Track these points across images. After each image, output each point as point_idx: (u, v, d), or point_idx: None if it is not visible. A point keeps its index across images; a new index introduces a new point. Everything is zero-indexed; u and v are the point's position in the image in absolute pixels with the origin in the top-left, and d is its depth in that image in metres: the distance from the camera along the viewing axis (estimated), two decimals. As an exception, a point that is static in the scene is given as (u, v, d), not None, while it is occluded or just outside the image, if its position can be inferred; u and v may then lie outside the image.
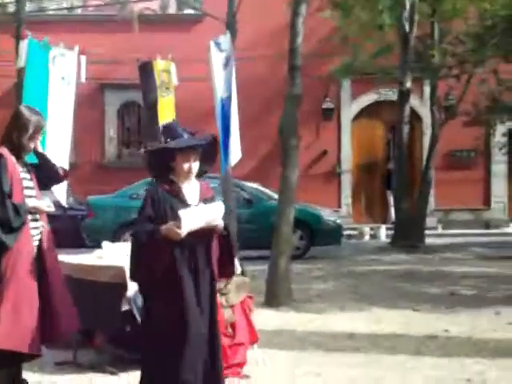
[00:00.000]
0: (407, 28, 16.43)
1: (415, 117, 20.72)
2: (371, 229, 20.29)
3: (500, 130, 18.60)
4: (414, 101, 19.27)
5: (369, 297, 9.97)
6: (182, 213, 4.60)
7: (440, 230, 21.06)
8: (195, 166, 4.88)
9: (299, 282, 10.93)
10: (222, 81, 8.77)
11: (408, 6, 16.30)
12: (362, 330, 7.78)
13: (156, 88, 8.60)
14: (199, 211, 4.75)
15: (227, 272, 5.12)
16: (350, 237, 19.17)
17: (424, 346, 7.06)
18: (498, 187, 22.27)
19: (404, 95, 17.01)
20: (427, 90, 19.14)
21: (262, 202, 15.26)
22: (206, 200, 4.90)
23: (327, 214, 16.33)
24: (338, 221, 16.44)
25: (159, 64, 8.73)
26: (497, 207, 22.26)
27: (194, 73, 15.06)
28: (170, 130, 5.03)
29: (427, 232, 17.84)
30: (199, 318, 4.71)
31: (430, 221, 19.98)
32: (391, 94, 19.00)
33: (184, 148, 4.82)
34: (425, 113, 20.55)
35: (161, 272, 4.70)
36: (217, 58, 8.77)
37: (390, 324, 8.11)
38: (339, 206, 22.01)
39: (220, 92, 8.74)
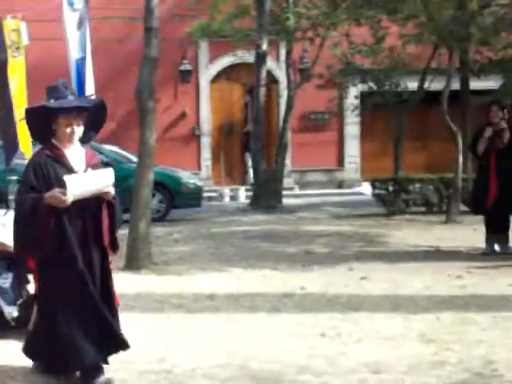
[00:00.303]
0: (263, -10, 16.53)
1: (272, 79, 20.97)
2: (231, 190, 20.48)
3: (352, 92, 19.13)
4: (270, 63, 19.47)
5: (229, 257, 10.09)
6: (67, 178, 4.46)
7: (297, 191, 21.53)
8: (78, 130, 4.69)
9: (160, 244, 10.93)
10: (76, 41, 8.55)
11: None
12: (222, 291, 7.86)
13: (6, 48, 8.27)
14: (86, 177, 4.62)
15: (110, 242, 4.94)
16: (210, 199, 19.29)
17: (281, 303, 7.21)
18: (351, 148, 22.98)
19: (261, 58, 17.13)
20: (283, 52, 19.37)
21: (120, 165, 15.05)
22: (91, 166, 4.74)
23: (187, 177, 16.34)
24: (198, 183, 16.51)
25: (9, 23, 8.39)
26: (350, 167, 22.99)
27: (48, 33, 14.57)
28: (54, 90, 4.78)
29: (284, 193, 18.21)
30: (92, 286, 4.66)
31: (287, 182, 20.42)
32: (248, 57, 19.12)
33: (66, 110, 4.63)
34: (281, 75, 20.82)
35: (49, 242, 4.58)
36: (70, 18, 8.53)
37: (250, 283, 8.25)
38: (199, 168, 22.07)
39: (74, 53, 8.52)
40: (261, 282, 8.37)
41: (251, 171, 19.68)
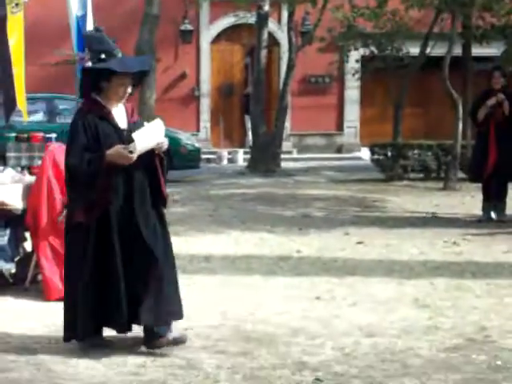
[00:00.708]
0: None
1: (273, 41, 20.80)
2: (229, 153, 20.43)
3: (353, 56, 18.99)
4: (272, 25, 19.32)
5: (226, 220, 10.12)
6: (136, 135, 4.34)
7: (295, 154, 21.50)
8: (130, 90, 4.56)
9: (157, 205, 10.94)
10: (76, -2, 8.45)
11: None
12: (218, 253, 7.90)
13: (5, 4, 8.17)
14: (149, 131, 4.50)
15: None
16: (208, 161, 19.27)
17: (277, 266, 7.25)
18: (351, 113, 22.89)
19: (262, 19, 17.00)
20: (285, 14, 19.19)
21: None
22: (134, 123, 4.63)
23: (186, 138, 16.29)
24: (197, 144, 16.47)
25: (8, -22, 8.27)
26: (349, 132, 22.92)
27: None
28: (99, 42, 4.57)
29: (283, 156, 18.17)
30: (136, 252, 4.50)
31: (286, 145, 20.37)
32: (249, 18, 18.95)
33: (124, 73, 4.47)
34: (282, 38, 20.65)
35: (109, 202, 4.45)
36: (70, -26, 8.41)
37: (246, 246, 8.29)
38: (198, 129, 21.99)
39: (75, 10, 8.42)
40: (257, 244, 8.40)
41: (250, 134, 19.63)
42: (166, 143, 4.55)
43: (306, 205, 11.49)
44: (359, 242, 8.37)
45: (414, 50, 17.22)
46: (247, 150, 19.64)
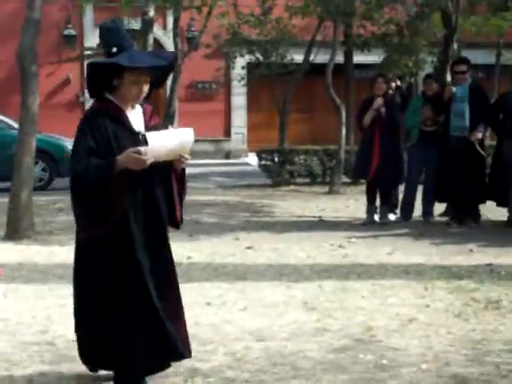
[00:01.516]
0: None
1: (159, 47, 20.71)
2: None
3: (240, 62, 19.13)
4: (157, 31, 19.23)
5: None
6: (150, 136, 3.79)
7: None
8: (146, 89, 3.99)
9: (43, 214, 10.68)
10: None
11: None
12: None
13: None
14: (168, 135, 3.91)
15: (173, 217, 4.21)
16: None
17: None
18: (238, 119, 23.06)
19: (147, 25, 16.83)
20: (170, 20, 19.12)
21: (1, 131, 14.56)
22: (152, 128, 4.01)
23: (71, 144, 15.93)
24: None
25: None
26: (236, 138, 23.07)
27: None
28: (115, 34, 4.00)
29: (171, 162, 18.05)
30: (149, 279, 3.97)
31: (174, 151, 20.27)
32: (134, 24, 18.76)
33: (139, 68, 3.89)
34: (168, 44, 20.59)
35: (119, 214, 3.88)
36: None
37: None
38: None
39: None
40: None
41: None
42: (187, 158, 3.98)
43: (195, 211, 11.44)
44: (249, 247, 8.42)
45: (298, 57, 17.49)
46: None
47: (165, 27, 20.95)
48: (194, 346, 4.90)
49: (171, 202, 4.14)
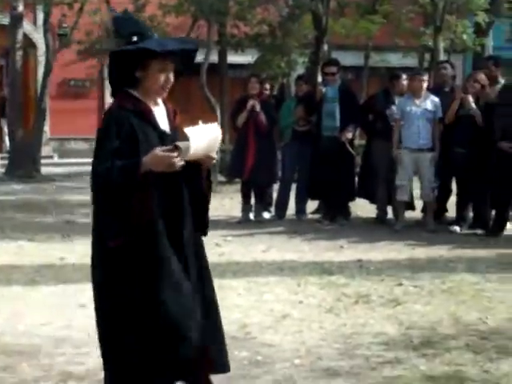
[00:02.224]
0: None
1: (29, 43, 20.09)
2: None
3: (114, 60, 18.85)
4: (27, 26, 18.66)
5: (-18, 229, 9.60)
6: (190, 131, 3.35)
7: (56, 159, 20.94)
8: (172, 78, 3.62)
9: None
10: None
11: None
12: (-25, 263, 7.48)
13: None
14: (206, 133, 3.48)
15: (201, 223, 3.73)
16: (-39, 167, 18.18)
17: (40, 275, 6.99)
18: (112, 117, 22.75)
19: (16, 20, 16.39)
20: (41, 16, 18.60)
21: None
22: (175, 128, 3.66)
23: None
24: None
25: None
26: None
27: None
28: (133, 24, 3.63)
29: (43, 161, 17.60)
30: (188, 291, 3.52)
31: (46, 150, 19.78)
32: (3, 18, 18.16)
33: (165, 53, 3.50)
34: (39, 40, 20.00)
35: (149, 217, 3.43)
36: None
37: (5, 256, 7.86)
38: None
39: None
40: (17, 253, 8.03)
41: (7, 138, 18.81)
42: (215, 157, 3.62)
43: (68, 211, 11.17)
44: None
45: (174, 56, 17.42)
46: (4, 155, 18.80)
47: (35, 22, 20.32)
48: (66, 349, 4.84)
49: (200, 205, 3.71)
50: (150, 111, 3.58)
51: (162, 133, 3.57)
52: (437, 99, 9.27)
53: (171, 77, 3.62)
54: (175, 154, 3.33)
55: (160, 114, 3.66)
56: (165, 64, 3.54)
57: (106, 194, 3.48)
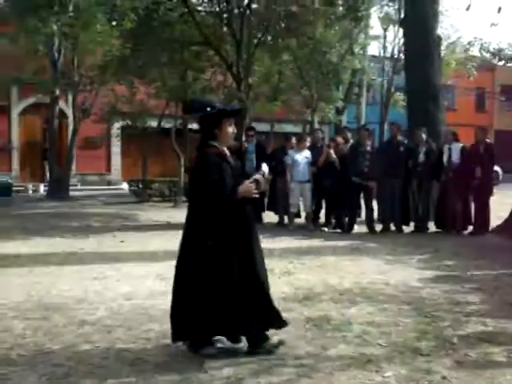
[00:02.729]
0: (56, 56, 15.42)
1: (63, 114, 19.54)
2: (33, 186, 18.75)
3: (116, 125, 18.57)
4: (62, 104, 18.13)
5: (31, 230, 9.19)
6: (265, 167, 3.33)
7: (79, 186, 20.36)
8: (235, 130, 3.55)
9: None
10: None
11: (57, 41, 15.23)
12: (25, 252, 7.14)
13: None
14: (267, 168, 3.50)
15: None
16: (18, 192, 17.46)
17: (67, 259, 6.76)
18: (116, 160, 22.39)
19: (54, 100, 15.95)
20: (70, 97, 18.13)
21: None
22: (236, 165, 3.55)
23: (1, 176, 14.64)
24: (10, 180, 14.88)
25: None
26: (115, 172, 22.35)
27: None
28: (203, 101, 3.67)
29: (71, 188, 17.08)
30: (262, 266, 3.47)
31: (73, 181, 19.22)
32: (46, 98, 17.63)
33: (233, 113, 3.50)
34: (69, 112, 19.46)
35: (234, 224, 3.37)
36: None
37: (46, 247, 7.58)
38: (10, 170, 19.89)
39: None
40: (53, 245, 7.74)
41: (48, 173, 18.21)
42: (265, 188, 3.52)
43: (87, 219, 10.89)
44: (122, 241, 8.12)
45: (154, 123, 17.23)
46: (46, 183, 18.15)
47: (66, 101, 19.76)
48: (83, 305, 4.67)
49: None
50: (227, 155, 3.48)
51: (231, 167, 3.46)
52: (309, 152, 9.29)
53: (234, 129, 3.54)
54: (254, 185, 3.34)
55: (228, 154, 3.54)
56: (231, 120, 3.48)
57: (212, 209, 3.35)
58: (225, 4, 11.84)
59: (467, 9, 10.43)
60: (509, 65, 34.57)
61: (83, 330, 4.02)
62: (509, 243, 7.86)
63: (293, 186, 9.29)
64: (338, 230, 9.15)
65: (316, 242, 8.12)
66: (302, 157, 9.29)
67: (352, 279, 5.66)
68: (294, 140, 9.79)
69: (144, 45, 12.11)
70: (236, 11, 11.73)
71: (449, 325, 4.16)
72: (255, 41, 12.18)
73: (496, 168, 14.50)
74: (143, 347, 3.70)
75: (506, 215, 8.85)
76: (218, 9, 12.12)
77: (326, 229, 9.32)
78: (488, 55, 28.95)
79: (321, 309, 4.58)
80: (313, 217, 9.70)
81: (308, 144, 9.54)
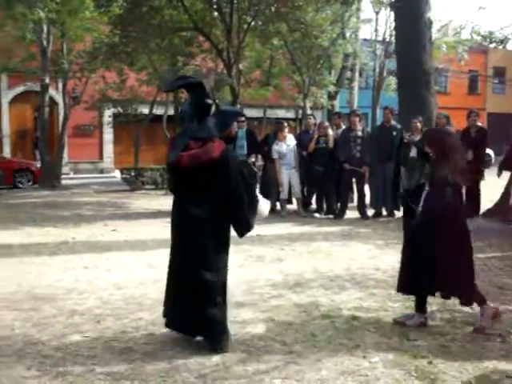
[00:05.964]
0: (45, 44, 15.20)
1: (53, 102, 19.37)
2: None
3: (107, 113, 18.42)
4: (52, 91, 17.95)
5: (23, 220, 9.13)
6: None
7: (72, 175, 20.27)
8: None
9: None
10: None
11: (46, 28, 15.01)
12: (16, 242, 7.11)
13: None
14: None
15: None
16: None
17: (58, 248, 6.74)
18: (108, 148, 22.26)
19: (44, 87, 15.77)
20: (60, 85, 17.96)
21: None
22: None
23: None
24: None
25: None
26: (107, 160, 22.24)
27: None
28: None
29: (63, 176, 17.01)
30: None
31: (65, 169, 19.11)
32: (36, 86, 17.45)
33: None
34: (60, 100, 19.32)
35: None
36: None
37: (37, 237, 7.53)
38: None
39: None
40: (45, 235, 7.72)
41: (39, 162, 18.07)
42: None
43: (78, 207, 10.83)
44: (113, 230, 8.09)
45: (145, 110, 17.13)
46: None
47: (57, 88, 19.57)
48: (74, 295, 4.67)
49: None
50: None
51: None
52: (292, 138, 9.22)
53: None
54: None
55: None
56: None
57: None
58: (214, -12, 11.71)
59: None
60: (500, 47, 34.44)
61: (73, 320, 4.02)
62: (499, 226, 7.90)
63: (282, 175, 9.24)
64: (330, 216, 9.15)
65: (307, 228, 8.11)
66: (285, 146, 9.18)
67: (342, 265, 5.68)
68: (285, 127, 9.51)
69: (133, 31, 11.97)
70: (225, -4, 11.60)
71: (437, 309, 4.19)
72: (245, 26, 12.07)
73: (488, 151, 14.51)
74: (132, 336, 3.71)
75: (496, 199, 8.88)
76: (207, -7, 11.98)
77: (317, 215, 9.31)
78: (479, 38, 28.79)
79: (310, 295, 4.60)
80: (304, 202, 9.68)
81: (287, 131, 9.37)
